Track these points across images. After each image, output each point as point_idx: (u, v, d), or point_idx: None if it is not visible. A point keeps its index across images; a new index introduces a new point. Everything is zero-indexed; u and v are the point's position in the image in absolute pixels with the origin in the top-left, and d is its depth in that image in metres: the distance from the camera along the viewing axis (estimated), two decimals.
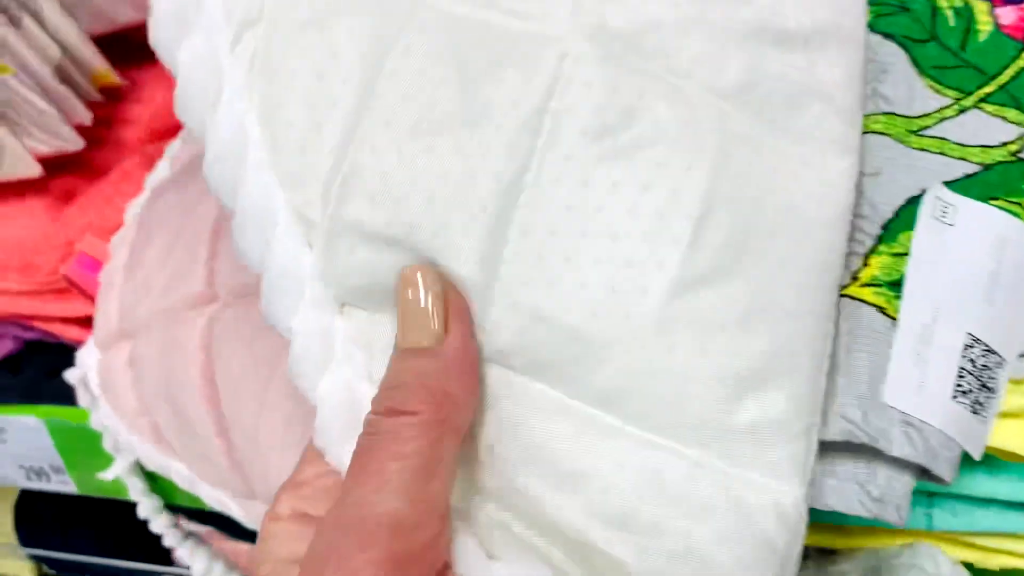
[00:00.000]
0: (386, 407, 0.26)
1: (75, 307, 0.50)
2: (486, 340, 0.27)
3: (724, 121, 0.28)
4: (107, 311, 0.43)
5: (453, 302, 0.27)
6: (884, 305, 0.29)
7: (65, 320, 0.51)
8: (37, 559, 0.70)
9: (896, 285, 0.29)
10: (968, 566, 0.36)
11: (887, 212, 0.30)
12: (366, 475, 0.25)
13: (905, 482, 0.29)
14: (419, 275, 0.27)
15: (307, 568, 0.25)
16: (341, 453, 0.28)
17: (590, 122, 0.27)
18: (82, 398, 0.46)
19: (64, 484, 0.55)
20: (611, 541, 0.26)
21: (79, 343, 0.49)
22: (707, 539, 0.26)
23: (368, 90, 0.28)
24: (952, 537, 0.36)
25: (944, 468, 0.28)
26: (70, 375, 0.46)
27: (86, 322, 0.49)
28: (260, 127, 0.28)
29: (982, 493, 0.33)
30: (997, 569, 0.36)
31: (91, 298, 0.47)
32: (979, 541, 0.36)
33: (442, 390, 0.26)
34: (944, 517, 0.35)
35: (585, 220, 0.27)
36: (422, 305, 0.27)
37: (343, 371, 0.28)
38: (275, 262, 0.28)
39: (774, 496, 0.27)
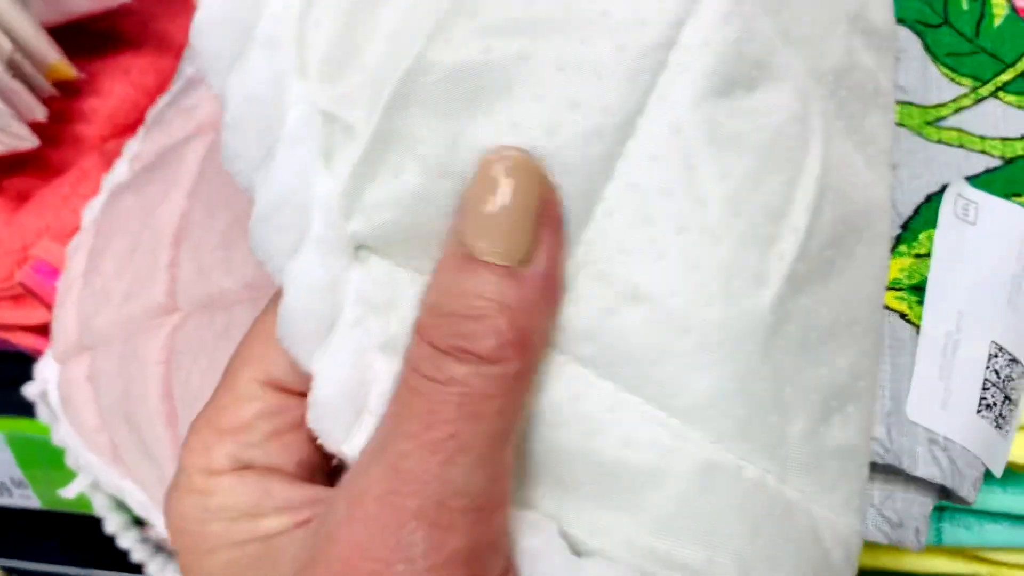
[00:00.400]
0: (453, 344, 0.19)
1: (32, 314, 0.47)
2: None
3: (824, 105, 0.24)
4: (65, 323, 0.40)
5: (548, 206, 0.20)
6: (906, 311, 0.27)
7: (23, 328, 0.48)
8: (5, 569, 0.68)
9: (918, 289, 0.27)
10: None
11: (907, 210, 0.28)
12: (432, 440, 0.19)
13: (924, 503, 0.27)
14: (517, 158, 0.20)
15: (352, 544, 0.19)
16: (341, 441, 0.22)
17: (722, 67, 0.22)
18: (42, 413, 0.43)
19: (27, 499, 0.53)
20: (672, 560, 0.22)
21: (38, 352, 0.47)
22: (786, 565, 0.22)
23: None
24: (962, 551, 0.34)
25: (968, 489, 0.26)
26: (29, 390, 0.43)
27: (44, 330, 0.46)
28: None
29: (994, 507, 0.32)
30: None
31: (49, 306, 0.44)
32: (990, 555, 0.34)
33: (529, 328, 0.20)
34: (954, 531, 0.33)
35: (708, 184, 0.21)
36: (511, 205, 0.20)
37: (352, 338, 0.22)
38: (276, 178, 0.21)
39: (844, 531, 0.24)
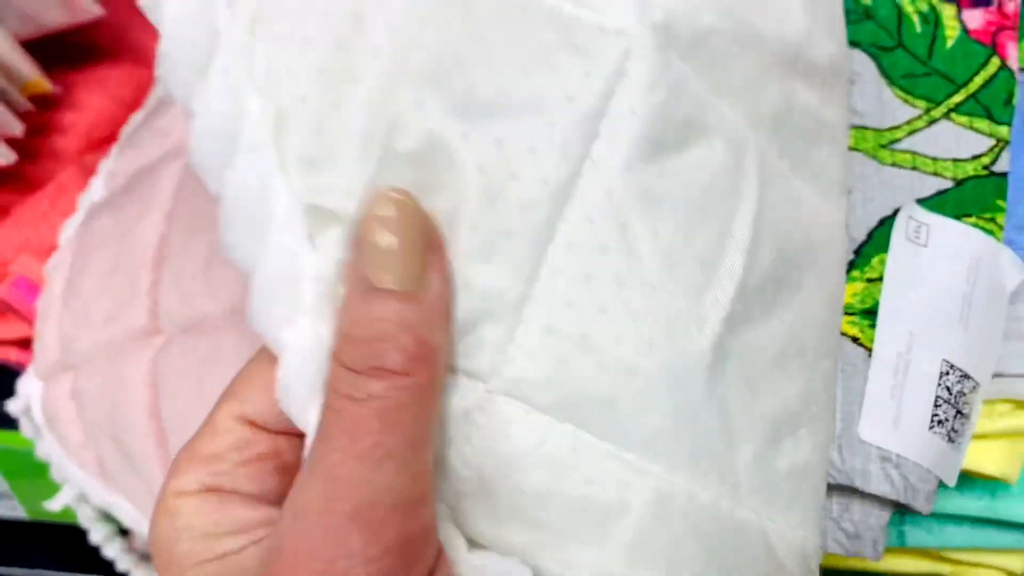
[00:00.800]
0: (368, 365, 0.21)
1: (14, 329, 0.47)
2: (503, 368, 0.23)
3: (762, 149, 0.26)
4: (46, 341, 0.41)
5: (431, 235, 0.23)
6: (858, 335, 0.28)
7: (4, 342, 0.48)
8: None
9: (870, 313, 0.28)
10: None
11: (860, 235, 0.29)
12: (359, 450, 0.21)
13: (880, 515, 0.28)
14: (398, 199, 0.23)
15: (298, 550, 0.21)
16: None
17: (650, 132, 0.24)
18: (26, 428, 0.44)
19: (12, 510, 0.53)
20: None
21: (20, 365, 0.47)
22: None
23: (399, 65, 0.23)
24: (925, 551, 0.35)
25: (922, 502, 0.27)
26: (12, 406, 0.44)
27: (26, 344, 0.47)
28: (261, 100, 0.24)
29: (953, 510, 0.33)
30: None
31: (30, 321, 0.44)
32: (951, 555, 0.35)
33: (429, 343, 0.22)
34: (916, 533, 0.34)
35: (641, 241, 0.24)
36: (401, 238, 0.22)
37: None
38: (269, 259, 0.24)
39: (802, 544, 0.26)
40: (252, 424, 0.25)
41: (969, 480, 0.32)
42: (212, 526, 0.24)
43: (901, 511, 0.33)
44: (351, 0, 0.24)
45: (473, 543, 0.24)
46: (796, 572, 0.25)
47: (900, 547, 0.35)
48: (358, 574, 0.21)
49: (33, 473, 0.49)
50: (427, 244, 0.23)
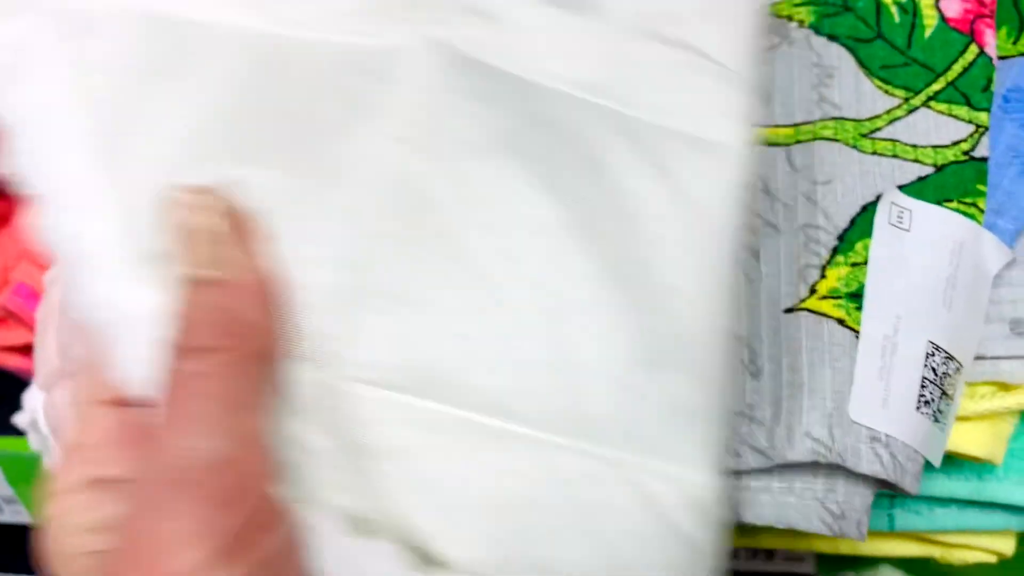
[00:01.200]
0: (183, 346, 0.23)
1: (16, 335, 0.48)
2: (350, 354, 0.25)
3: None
4: (46, 352, 0.41)
5: (240, 225, 0.25)
6: (844, 317, 0.29)
7: (8, 349, 0.49)
8: None
9: (856, 296, 0.29)
10: (931, 561, 0.37)
11: (842, 222, 0.30)
12: (177, 421, 0.23)
13: (865, 495, 0.28)
14: (201, 194, 0.25)
15: (133, 528, 0.22)
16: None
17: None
18: (33, 441, 0.44)
19: (18, 514, 0.53)
20: (509, 560, 0.24)
21: (22, 371, 0.47)
22: (617, 541, 0.25)
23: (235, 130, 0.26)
24: (914, 534, 0.36)
25: (910, 482, 0.28)
26: (19, 419, 0.44)
27: (28, 350, 0.47)
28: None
29: (941, 493, 0.34)
30: (958, 563, 0.36)
31: (32, 328, 0.45)
32: (940, 538, 0.36)
33: (240, 321, 0.24)
34: (905, 517, 0.35)
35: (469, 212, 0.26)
36: (208, 229, 0.24)
37: None
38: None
39: (686, 487, 0.25)
40: (117, 402, 0.26)
41: (956, 463, 0.33)
42: (93, 522, 0.25)
43: (890, 495, 0.34)
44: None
45: (355, 524, 0.25)
46: (681, 517, 0.25)
47: (890, 531, 0.35)
48: (183, 536, 0.22)
49: (40, 478, 0.50)
50: (235, 233, 0.24)
